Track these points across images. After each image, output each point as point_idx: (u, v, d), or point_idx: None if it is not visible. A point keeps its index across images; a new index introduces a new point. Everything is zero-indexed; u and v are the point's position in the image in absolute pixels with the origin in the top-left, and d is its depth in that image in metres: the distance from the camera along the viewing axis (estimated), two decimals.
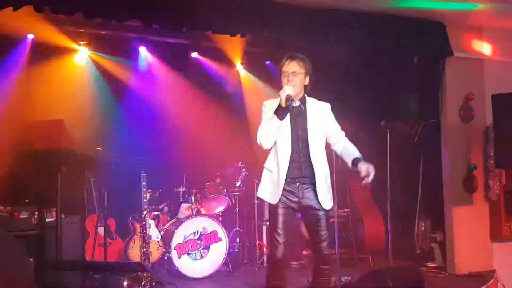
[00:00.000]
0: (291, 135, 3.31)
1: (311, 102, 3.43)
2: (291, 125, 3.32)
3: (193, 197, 5.50)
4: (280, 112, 3.22)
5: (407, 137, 5.50)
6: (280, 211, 3.30)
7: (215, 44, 5.73)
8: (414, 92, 5.40)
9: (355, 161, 3.36)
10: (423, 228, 5.64)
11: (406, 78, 5.35)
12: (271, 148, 3.36)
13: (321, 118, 3.41)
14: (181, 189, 5.69)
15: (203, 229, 5.24)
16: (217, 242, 5.27)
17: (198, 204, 5.54)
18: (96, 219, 5.00)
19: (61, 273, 3.79)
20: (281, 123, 3.24)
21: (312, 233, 3.38)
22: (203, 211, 5.59)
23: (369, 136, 5.59)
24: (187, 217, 5.29)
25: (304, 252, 5.96)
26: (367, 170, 3.29)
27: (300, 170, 3.31)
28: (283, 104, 3.21)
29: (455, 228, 5.21)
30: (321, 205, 3.33)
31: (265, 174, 3.43)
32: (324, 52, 5.29)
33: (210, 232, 5.26)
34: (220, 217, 5.68)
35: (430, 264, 5.45)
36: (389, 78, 5.51)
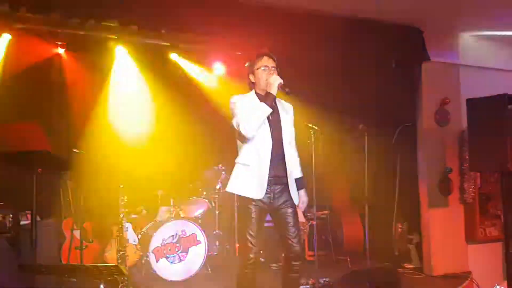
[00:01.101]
0: (270, 133, 3.32)
1: (279, 101, 3.48)
2: (269, 124, 3.33)
3: (172, 200, 5.46)
4: (269, 100, 3.25)
5: (384, 140, 5.58)
6: (254, 213, 3.29)
7: (194, 45, 5.70)
8: (391, 95, 5.49)
9: (298, 184, 3.47)
10: (400, 230, 5.72)
11: (384, 82, 5.43)
12: (246, 143, 3.34)
13: (289, 117, 3.48)
14: (160, 192, 5.65)
15: (182, 232, 5.21)
16: (196, 245, 5.24)
17: (177, 207, 5.50)
18: (72, 222, 4.93)
19: (36, 276, 3.73)
20: (271, 110, 3.26)
21: (283, 230, 3.37)
22: (182, 214, 5.55)
23: (347, 139, 5.66)
24: (166, 220, 5.25)
25: (283, 254, 5.97)
26: (302, 201, 3.48)
27: (273, 168, 3.31)
28: (274, 92, 3.25)
29: (431, 230, 5.30)
30: (292, 202, 3.38)
31: (240, 169, 3.37)
32: (302, 56, 5.33)
33: (189, 235, 5.23)
34: (200, 220, 5.64)
35: (407, 265, 5.53)
36: (367, 82, 5.58)
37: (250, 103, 3.32)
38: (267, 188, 3.29)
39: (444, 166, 5.33)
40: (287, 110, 3.49)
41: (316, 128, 4.74)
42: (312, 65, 5.48)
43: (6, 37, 5.20)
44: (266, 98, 3.27)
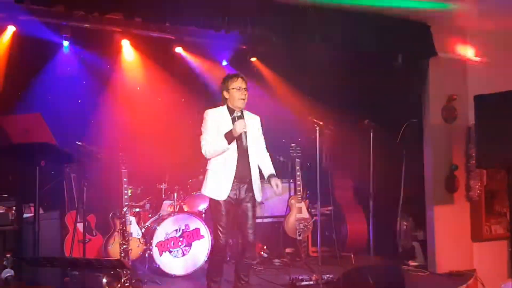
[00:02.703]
0: (237, 146, 3.84)
1: (246, 114, 3.99)
2: (236, 139, 3.82)
3: (175, 194, 5.45)
4: (230, 139, 3.77)
5: (390, 136, 5.53)
6: (222, 208, 3.85)
7: (199, 39, 5.67)
8: (397, 91, 5.43)
9: (270, 177, 4.04)
10: (404, 227, 5.67)
11: (390, 77, 5.37)
12: None
13: (255, 129, 4.02)
14: (163, 186, 5.64)
15: (186, 226, 5.20)
16: (199, 240, 5.23)
17: (180, 201, 5.49)
18: (75, 215, 4.92)
19: (39, 269, 3.72)
20: (229, 147, 3.78)
21: (243, 222, 3.94)
22: (185, 208, 5.54)
23: (353, 135, 5.62)
24: (169, 214, 5.24)
25: (287, 250, 5.97)
26: (276, 184, 3.99)
27: (239, 172, 3.87)
28: (235, 135, 3.77)
29: (436, 227, 5.25)
30: (254, 198, 3.94)
31: (210, 175, 3.93)
32: (308, 51, 5.29)
33: (193, 229, 5.22)
34: (203, 215, 5.63)
35: (411, 263, 5.49)
36: (373, 77, 5.53)
37: (220, 119, 3.88)
38: (233, 185, 3.85)
39: (450, 163, 5.27)
40: (254, 121, 4.03)
41: (321, 123, 4.71)
42: (317, 60, 5.44)
43: (11, 29, 5.18)
44: (228, 136, 3.77)
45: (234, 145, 3.85)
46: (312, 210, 5.97)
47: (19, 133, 3.61)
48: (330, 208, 6.01)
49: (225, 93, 3.95)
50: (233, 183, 3.86)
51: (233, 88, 3.89)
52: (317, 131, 4.71)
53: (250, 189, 3.93)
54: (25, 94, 5.15)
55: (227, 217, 3.90)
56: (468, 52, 5.42)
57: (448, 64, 5.33)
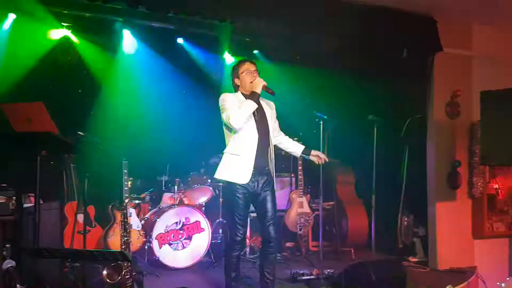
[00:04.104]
0: (256, 128, 3.74)
1: (262, 100, 3.89)
2: (254, 119, 3.75)
3: (176, 187, 5.41)
4: (255, 97, 3.67)
5: (394, 132, 5.50)
6: (240, 195, 3.71)
7: (202, 30, 5.60)
8: (402, 86, 5.39)
9: (306, 150, 4.03)
10: (405, 223, 5.65)
11: (394, 72, 5.33)
12: (234, 135, 3.74)
13: (272, 115, 3.93)
14: (164, 178, 5.60)
15: (186, 219, 5.17)
16: (199, 233, 5.20)
17: (181, 193, 5.45)
18: (75, 205, 4.88)
19: (38, 260, 3.68)
20: (256, 106, 3.67)
21: (262, 215, 3.81)
22: (186, 201, 5.50)
23: (356, 130, 5.59)
24: (170, 207, 5.20)
25: (287, 244, 5.95)
26: (316, 154, 3.99)
27: (259, 159, 3.73)
28: (258, 91, 3.68)
29: (437, 224, 5.23)
30: (273, 190, 3.83)
31: (229, 158, 3.76)
32: (313, 44, 5.24)
33: (193, 222, 5.19)
34: (204, 208, 5.60)
35: (412, 259, 5.47)
36: (378, 72, 5.48)
37: (237, 101, 3.75)
38: (252, 176, 3.70)
39: (453, 159, 5.25)
40: (270, 106, 3.95)
41: (325, 117, 4.68)
42: (321, 53, 5.39)
43: (12, 17, 5.11)
44: (252, 96, 3.69)
45: (254, 127, 3.72)
46: (313, 205, 5.94)
47: (21, 122, 3.55)
48: (331, 203, 5.99)
49: (236, 80, 3.87)
50: (253, 171, 3.69)
51: (242, 72, 3.82)
52: (321, 125, 4.67)
53: (269, 179, 3.80)
54: (26, 83, 5.08)
55: (245, 207, 3.75)
56: (473, 47, 5.38)
57: (453, 59, 5.29)
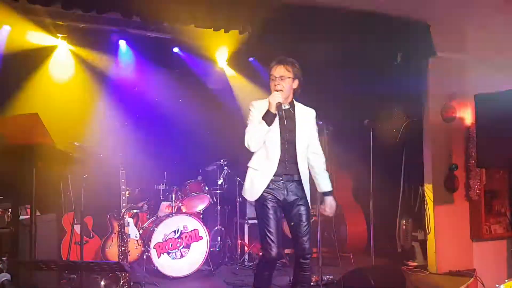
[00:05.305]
0: (280, 137, 3.41)
1: (299, 106, 3.55)
2: (280, 127, 3.42)
3: (173, 195, 5.41)
4: (269, 118, 3.34)
5: (390, 136, 5.51)
6: (270, 210, 3.37)
7: (197, 39, 5.62)
8: (397, 91, 5.41)
9: (326, 194, 3.63)
10: (404, 227, 5.65)
11: (390, 77, 5.35)
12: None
13: (307, 123, 3.56)
14: (162, 187, 5.60)
15: (184, 227, 5.16)
16: (198, 241, 5.19)
17: (178, 202, 5.44)
18: (72, 216, 4.87)
19: (36, 273, 3.66)
20: (270, 128, 3.34)
21: (295, 227, 3.45)
22: (184, 209, 5.50)
23: (352, 135, 5.59)
24: (167, 215, 5.19)
25: (286, 251, 5.93)
26: (330, 205, 3.61)
27: (285, 168, 3.43)
28: (273, 111, 3.33)
29: (436, 227, 5.23)
30: (306, 200, 3.47)
31: (251, 173, 3.49)
32: (307, 50, 5.25)
33: (191, 230, 5.18)
34: (202, 216, 5.60)
35: (411, 263, 5.46)
36: (373, 77, 5.50)
37: (264, 110, 3.38)
38: (280, 185, 3.40)
39: (450, 162, 5.25)
40: (306, 115, 3.56)
41: (320, 123, 4.68)
42: (317, 59, 5.40)
43: (7, 28, 5.12)
44: (266, 116, 3.34)
45: (277, 136, 3.38)
46: (311, 211, 5.93)
47: (16, 134, 3.55)
48: None
49: (270, 82, 3.48)
50: (277, 180, 3.38)
51: (270, 77, 3.46)
52: (316, 130, 4.67)
53: (299, 190, 3.45)
54: (21, 94, 5.08)
55: (276, 221, 3.36)
56: (467, 51, 5.41)
57: (447, 63, 5.31)
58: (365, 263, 5.05)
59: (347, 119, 5.60)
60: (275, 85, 3.40)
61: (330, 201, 3.61)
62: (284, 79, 3.41)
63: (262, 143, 3.38)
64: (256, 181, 3.42)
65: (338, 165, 6.26)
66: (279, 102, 3.34)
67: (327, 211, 3.63)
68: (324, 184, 3.62)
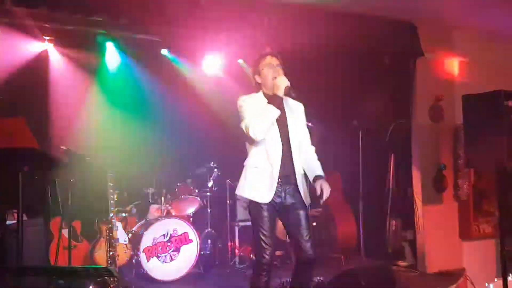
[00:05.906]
0: (278, 132, 3.23)
1: (287, 99, 3.31)
2: (277, 123, 3.23)
3: (163, 198, 5.36)
4: (277, 102, 3.14)
5: (379, 137, 5.53)
6: (265, 212, 3.19)
7: (186, 40, 5.59)
8: (385, 92, 5.44)
9: (315, 178, 3.32)
10: (394, 227, 5.67)
11: (378, 78, 5.38)
12: (255, 145, 3.24)
13: (297, 117, 3.38)
14: (150, 190, 5.54)
15: (174, 231, 5.12)
16: (188, 244, 5.15)
17: (168, 205, 5.40)
18: (60, 221, 4.81)
19: (23, 278, 3.61)
20: (279, 113, 3.15)
21: (295, 233, 3.27)
22: (173, 212, 5.46)
23: (341, 136, 5.60)
24: (157, 219, 5.15)
25: (276, 253, 5.91)
26: (320, 187, 3.24)
27: (283, 168, 3.22)
28: (281, 94, 3.14)
29: (425, 227, 5.26)
30: (303, 203, 3.28)
31: (250, 172, 3.27)
32: (295, 51, 5.25)
33: (181, 233, 5.14)
34: (191, 218, 5.56)
35: (401, 263, 5.49)
36: (361, 78, 5.52)
37: (257, 105, 3.21)
38: (277, 188, 3.20)
39: (438, 162, 5.30)
40: (293, 110, 3.36)
41: (309, 124, 4.67)
42: (305, 60, 5.41)
43: None
44: (273, 100, 3.16)
45: (277, 135, 3.21)
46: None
47: (2, 138, 3.50)
48: (319, 210, 5.98)
49: (257, 77, 3.33)
50: (278, 182, 3.19)
51: (263, 68, 3.29)
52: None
53: (296, 192, 3.26)
54: (7, 98, 5.01)
55: (271, 224, 3.20)
56: (455, 52, 5.45)
57: (435, 64, 5.36)
58: (356, 264, 5.06)
59: (336, 120, 5.61)
60: (274, 72, 3.24)
61: (324, 182, 3.29)
62: (280, 67, 3.30)
63: (269, 130, 3.17)
64: (263, 181, 3.20)
65: (328, 166, 6.27)
66: (287, 86, 3.14)
67: (325, 193, 3.24)
68: (319, 169, 3.38)
